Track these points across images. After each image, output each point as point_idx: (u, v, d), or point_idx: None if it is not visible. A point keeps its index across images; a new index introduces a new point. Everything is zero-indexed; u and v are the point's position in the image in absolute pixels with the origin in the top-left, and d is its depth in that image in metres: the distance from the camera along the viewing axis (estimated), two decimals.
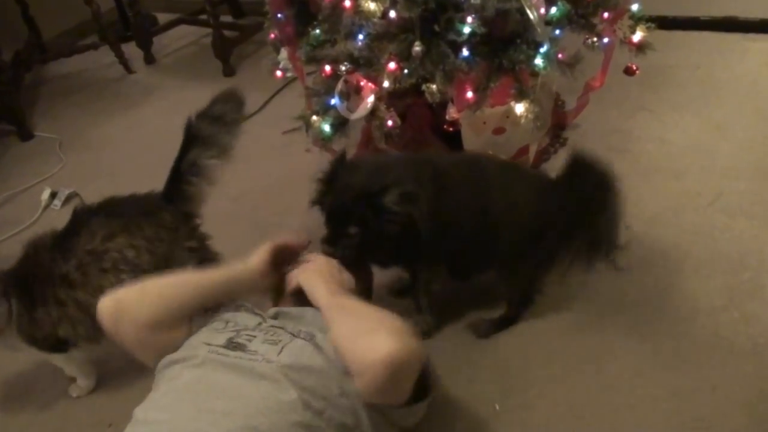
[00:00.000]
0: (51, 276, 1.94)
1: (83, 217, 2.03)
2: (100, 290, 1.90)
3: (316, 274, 1.75)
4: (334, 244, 1.80)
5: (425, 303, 2.07)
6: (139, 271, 1.99)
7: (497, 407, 1.86)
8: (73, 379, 2.17)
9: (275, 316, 1.77)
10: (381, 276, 2.08)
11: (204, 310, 1.79)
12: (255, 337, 1.64)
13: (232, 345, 1.61)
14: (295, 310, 1.76)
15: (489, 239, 1.92)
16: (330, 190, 1.85)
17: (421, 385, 1.57)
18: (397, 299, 2.21)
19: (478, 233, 1.91)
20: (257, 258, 1.79)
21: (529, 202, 1.94)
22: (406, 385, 1.49)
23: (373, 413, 1.54)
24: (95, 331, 1.93)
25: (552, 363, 1.96)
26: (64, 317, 1.96)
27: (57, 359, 2.09)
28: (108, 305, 1.66)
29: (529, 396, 1.87)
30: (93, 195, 2.43)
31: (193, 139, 2.10)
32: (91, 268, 1.96)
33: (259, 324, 1.72)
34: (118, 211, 2.07)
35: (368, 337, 1.44)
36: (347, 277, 1.82)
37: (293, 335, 1.61)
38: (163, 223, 2.09)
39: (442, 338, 2.10)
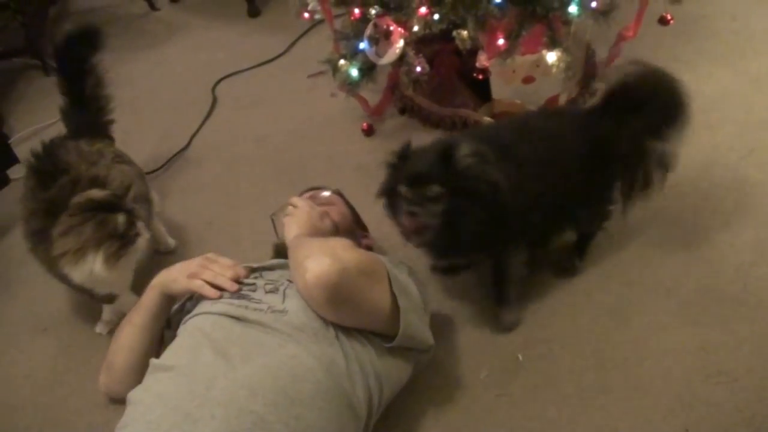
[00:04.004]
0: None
1: (51, 151, 2.08)
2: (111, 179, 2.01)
3: (294, 220, 1.79)
4: (420, 204, 1.66)
5: (512, 294, 1.95)
6: (126, 162, 2.20)
7: (520, 357, 1.86)
8: (98, 317, 2.19)
9: (271, 267, 1.83)
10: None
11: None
12: (255, 284, 1.70)
13: (237, 296, 1.66)
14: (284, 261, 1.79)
15: (566, 193, 1.83)
16: (401, 171, 1.73)
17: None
18: (446, 277, 2.14)
19: (556, 191, 1.80)
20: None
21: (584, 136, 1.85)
22: (356, 298, 1.53)
23: (367, 349, 1.60)
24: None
25: (576, 316, 1.95)
26: None
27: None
28: (105, 392, 1.88)
29: (552, 347, 1.88)
30: (117, 131, 2.43)
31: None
32: (100, 158, 2.07)
33: (257, 276, 1.77)
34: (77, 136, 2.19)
35: (302, 263, 1.49)
36: (328, 224, 1.86)
37: (289, 281, 1.68)
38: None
39: (467, 290, 2.10)
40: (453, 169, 1.62)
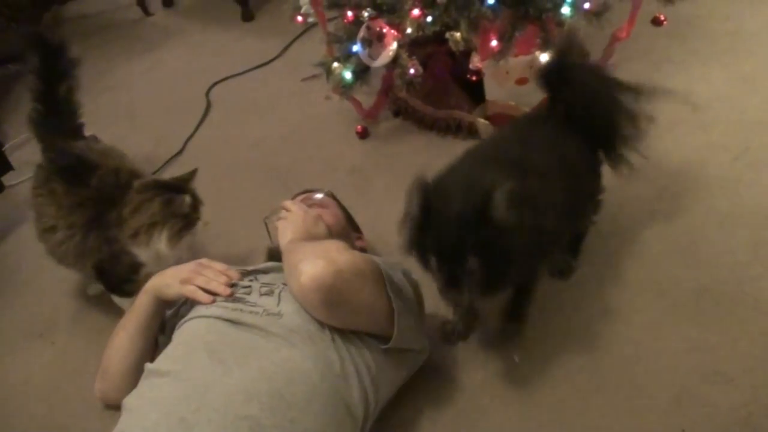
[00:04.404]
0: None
1: (66, 151, 2.10)
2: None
3: (287, 224, 1.79)
4: (459, 286, 1.47)
5: (527, 311, 1.88)
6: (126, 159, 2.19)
7: (516, 359, 1.85)
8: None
9: (265, 270, 1.81)
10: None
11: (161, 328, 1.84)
12: (250, 287, 1.70)
13: (231, 299, 1.66)
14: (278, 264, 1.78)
15: (578, 193, 1.81)
16: (428, 228, 1.46)
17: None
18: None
19: (572, 196, 1.74)
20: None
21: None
22: (351, 300, 1.52)
23: (363, 351, 1.59)
24: None
25: (571, 317, 1.95)
26: None
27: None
28: (100, 398, 1.85)
29: (547, 348, 1.87)
30: (112, 138, 2.44)
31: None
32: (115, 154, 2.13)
33: (251, 280, 1.76)
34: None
35: (297, 266, 1.49)
36: (322, 228, 1.84)
37: (284, 284, 1.67)
38: None
39: None
40: (490, 227, 1.38)
